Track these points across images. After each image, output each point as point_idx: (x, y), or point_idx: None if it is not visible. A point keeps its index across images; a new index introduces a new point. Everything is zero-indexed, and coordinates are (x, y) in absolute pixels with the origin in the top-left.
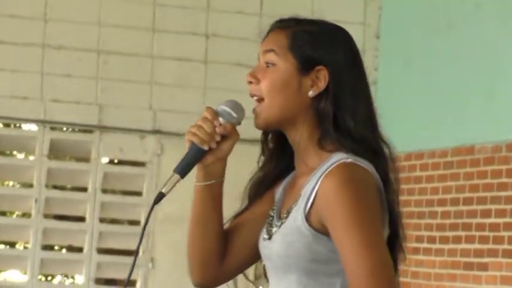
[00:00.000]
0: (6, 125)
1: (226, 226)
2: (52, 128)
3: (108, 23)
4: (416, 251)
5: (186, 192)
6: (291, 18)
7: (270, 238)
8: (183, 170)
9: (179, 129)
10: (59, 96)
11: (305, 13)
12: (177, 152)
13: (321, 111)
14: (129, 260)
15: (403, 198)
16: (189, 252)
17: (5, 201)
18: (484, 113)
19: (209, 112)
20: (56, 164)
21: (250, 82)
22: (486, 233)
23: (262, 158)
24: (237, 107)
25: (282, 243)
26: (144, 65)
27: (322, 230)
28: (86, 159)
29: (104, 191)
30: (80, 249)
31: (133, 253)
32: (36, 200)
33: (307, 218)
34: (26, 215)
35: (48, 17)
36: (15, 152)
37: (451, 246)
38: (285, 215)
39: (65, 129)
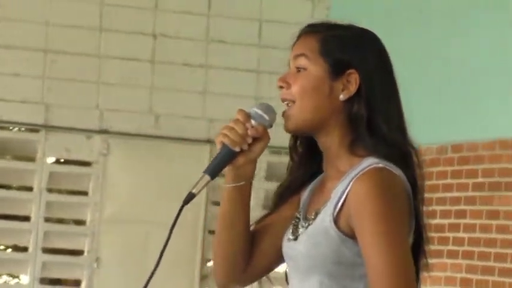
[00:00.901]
0: None
1: (252, 228)
2: None
3: (55, 23)
4: None
5: (130, 193)
6: (320, 23)
7: (295, 239)
8: (213, 171)
9: (126, 129)
10: (5, 96)
11: (253, 13)
12: (123, 152)
13: (353, 115)
14: (74, 259)
15: None
16: (215, 252)
17: None
18: (430, 115)
19: (241, 114)
20: (2, 163)
21: (281, 87)
22: (431, 234)
23: (291, 163)
24: (269, 109)
25: (308, 243)
26: (91, 65)
27: (349, 233)
28: (31, 159)
29: (50, 190)
30: (25, 249)
31: (79, 253)
32: None
33: (336, 220)
34: None
35: None
36: None
37: None
38: (312, 217)
39: (11, 128)
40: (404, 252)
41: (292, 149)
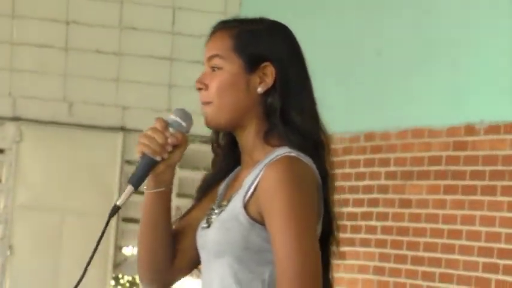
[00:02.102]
0: None
1: (174, 227)
2: None
3: (20, 14)
4: None
5: (43, 180)
6: (232, 19)
7: (208, 226)
8: (137, 182)
9: (39, 116)
10: None
11: (167, 0)
12: (36, 139)
13: (268, 106)
14: None
15: None
16: (139, 256)
17: None
18: (342, 103)
19: (159, 123)
20: None
21: (200, 89)
22: (344, 222)
23: (214, 156)
24: (186, 115)
25: (219, 229)
26: (3, 52)
27: (259, 220)
28: None
29: None
30: None
31: None
32: None
33: (246, 206)
34: None
35: None
36: None
37: None
38: (225, 203)
39: None
40: (310, 240)
41: (215, 143)
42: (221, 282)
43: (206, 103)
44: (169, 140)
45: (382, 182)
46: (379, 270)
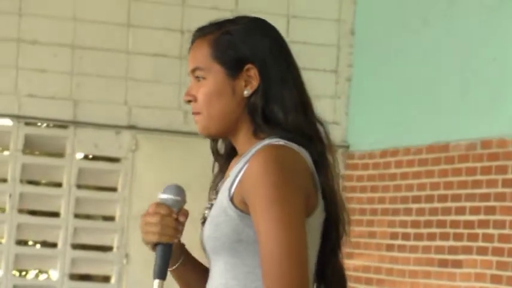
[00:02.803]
0: None
1: None
2: (27, 123)
3: (83, 18)
4: (390, 248)
5: (158, 189)
6: (208, 24)
7: (204, 222)
8: (162, 273)
9: (154, 124)
10: (33, 91)
11: (280, 9)
12: (152, 148)
13: (250, 106)
14: (103, 255)
15: (377, 195)
16: None
17: None
18: (459, 110)
19: (161, 208)
20: (31, 159)
21: (189, 101)
22: (460, 230)
23: (216, 164)
24: (178, 190)
25: (211, 225)
26: (119, 61)
27: (247, 210)
28: (60, 155)
29: (79, 186)
30: (54, 245)
31: (108, 249)
32: (10, 195)
33: (232, 198)
34: (0, 210)
35: (23, 11)
36: None
37: (426, 243)
38: (214, 197)
39: (39, 124)
40: (295, 230)
41: (215, 151)
42: (219, 279)
43: (196, 113)
44: (181, 219)
45: (499, 190)
46: (496, 279)
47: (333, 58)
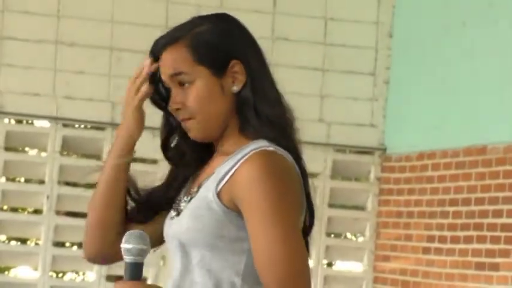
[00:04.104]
0: (19, 122)
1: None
2: (64, 125)
3: (120, 20)
4: (427, 250)
5: None
6: (172, 30)
7: (178, 214)
8: None
9: None
10: (71, 93)
11: (319, 11)
12: None
13: (243, 100)
14: None
15: (414, 197)
16: (89, 226)
17: (16, 198)
18: (496, 113)
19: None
20: (68, 161)
21: (178, 109)
22: (498, 233)
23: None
24: (141, 237)
25: (191, 217)
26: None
27: (232, 208)
28: (98, 157)
29: None
30: None
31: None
32: (47, 197)
33: (219, 195)
34: (37, 211)
35: (61, 13)
36: (27, 149)
37: (462, 246)
38: (195, 190)
39: (77, 126)
40: (295, 238)
41: (175, 155)
42: (185, 270)
43: (187, 119)
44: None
45: None
46: None
47: (371, 60)
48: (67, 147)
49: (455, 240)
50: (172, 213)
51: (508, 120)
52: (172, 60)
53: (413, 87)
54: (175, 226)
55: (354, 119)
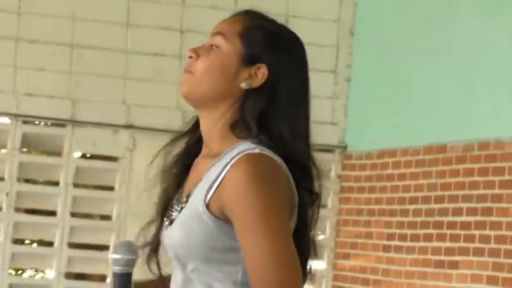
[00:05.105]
0: None
1: None
2: (24, 122)
3: (81, 17)
4: (387, 248)
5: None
6: (256, 12)
7: (171, 223)
8: None
9: (152, 124)
10: (32, 90)
11: (280, 8)
12: (149, 147)
13: (250, 103)
14: (99, 254)
15: (374, 195)
16: None
17: None
18: (457, 112)
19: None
20: (28, 158)
21: (190, 57)
22: (457, 232)
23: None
24: (130, 247)
25: (182, 229)
26: (117, 60)
27: (223, 218)
28: (58, 153)
29: (76, 185)
30: (50, 244)
31: (105, 247)
32: (7, 194)
33: (208, 205)
34: None
35: (22, 10)
36: None
37: (422, 244)
38: (184, 199)
39: (37, 122)
40: (285, 244)
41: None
42: (187, 280)
43: (188, 71)
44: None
45: (496, 191)
46: (492, 280)
47: (332, 59)
48: (27, 144)
49: (415, 238)
50: (166, 221)
51: (468, 119)
52: (225, 24)
53: (374, 85)
54: (168, 239)
55: (315, 116)
